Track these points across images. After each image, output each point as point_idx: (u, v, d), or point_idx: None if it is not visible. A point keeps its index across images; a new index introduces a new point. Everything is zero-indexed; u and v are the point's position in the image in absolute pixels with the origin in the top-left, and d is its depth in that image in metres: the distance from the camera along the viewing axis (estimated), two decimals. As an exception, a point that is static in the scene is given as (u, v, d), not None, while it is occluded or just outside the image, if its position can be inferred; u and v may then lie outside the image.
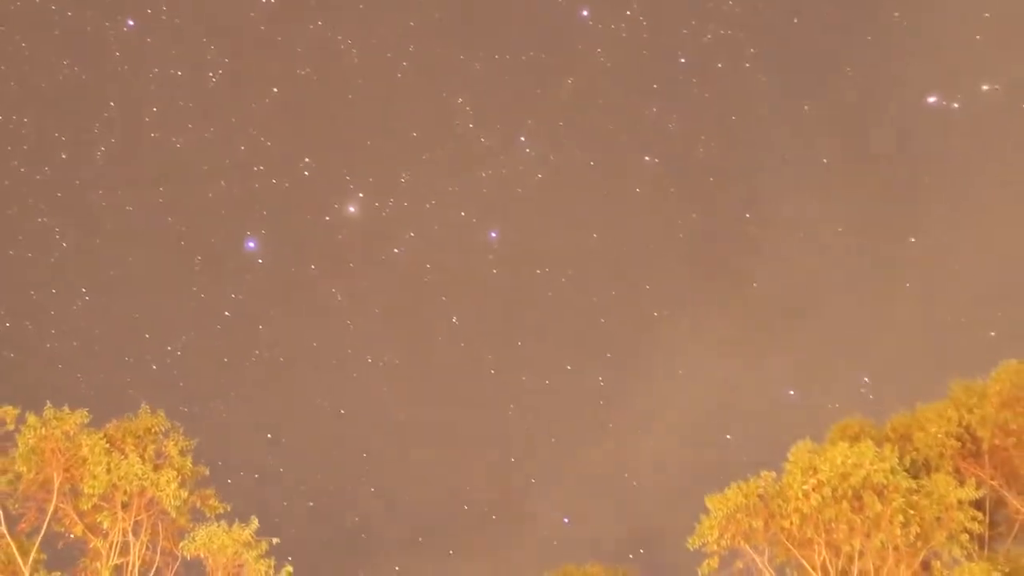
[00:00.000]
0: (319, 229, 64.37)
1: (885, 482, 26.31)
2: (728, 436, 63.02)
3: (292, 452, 60.27)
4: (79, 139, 61.04)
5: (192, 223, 62.91)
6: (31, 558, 24.87)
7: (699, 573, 26.87)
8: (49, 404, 25.04)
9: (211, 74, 62.82)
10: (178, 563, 25.89)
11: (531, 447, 65.20)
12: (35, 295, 60.52)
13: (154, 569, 25.90)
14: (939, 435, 28.99)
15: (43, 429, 24.77)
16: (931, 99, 62.93)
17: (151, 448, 25.85)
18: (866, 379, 60.34)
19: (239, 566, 25.35)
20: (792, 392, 63.87)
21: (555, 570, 34.35)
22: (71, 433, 25.05)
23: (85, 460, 24.95)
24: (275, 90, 63.97)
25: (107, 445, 25.23)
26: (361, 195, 64.46)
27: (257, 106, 63.75)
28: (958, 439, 29.04)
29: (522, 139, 65.92)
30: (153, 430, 26.20)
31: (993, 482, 29.12)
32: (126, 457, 25.13)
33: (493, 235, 66.07)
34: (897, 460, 26.80)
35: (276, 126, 63.60)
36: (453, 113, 65.61)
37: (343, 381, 64.80)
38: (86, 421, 25.37)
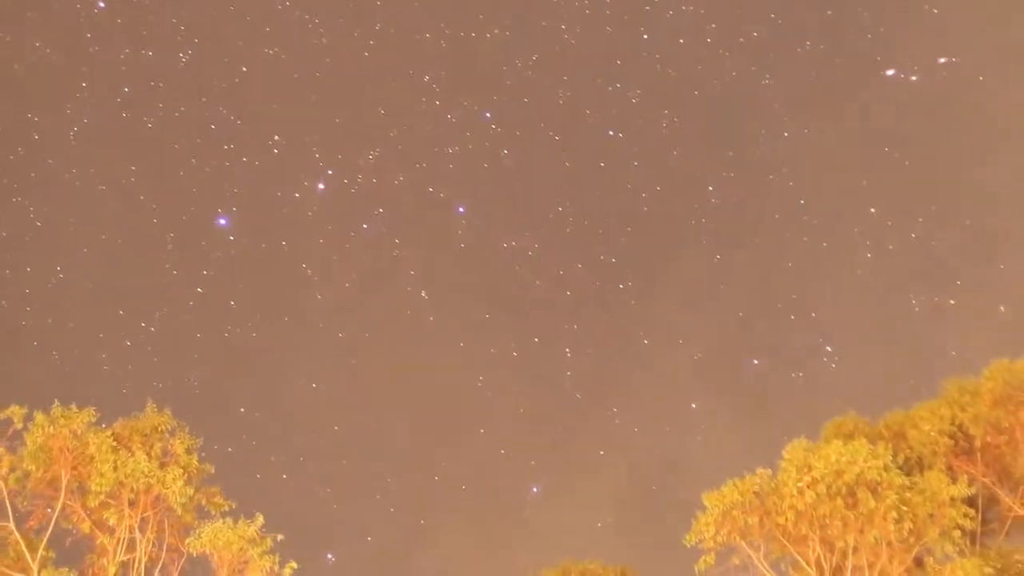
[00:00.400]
0: (289, 206, 65.51)
1: (879, 479, 26.74)
2: (693, 405, 64.51)
3: (265, 425, 61.11)
4: (52, 120, 62.00)
5: (164, 201, 64.04)
6: (39, 554, 25.23)
7: (696, 569, 27.36)
8: (57, 403, 25.43)
9: (181, 55, 63.81)
10: (184, 559, 26.28)
11: (500, 419, 66.46)
12: (9, 273, 61.50)
13: (160, 565, 26.26)
14: (932, 433, 29.45)
15: (51, 428, 25.12)
16: (890, 72, 64.03)
17: (157, 446, 26.23)
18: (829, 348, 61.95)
19: (244, 562, 25.75)
20: (756, 361, 65.53)
21: (554, 566, 34.74)
22: (78, 431, 25.41)
23: (92, 458, 25.31)
24: (244, 69, 64.98)
25: (114, 443, 25.59)
26: (330, 172, 65.62)
27: (226, 85, 64.74)
28: (951, 437, 29.51)
29: (488, 115, 67.09)
30: (159, 428, 26.57)
31: (985, 479, 29.60)
32: (133, 455, 25.48)
33: (461, 210, 67.33)
34: (891, 457, 27.26)
35: (245, 105, 64.63)
36: (420, 90, 66.84)
37: (314, 355, 65.97)
38: (93, 420, 25.73)
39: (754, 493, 27.59)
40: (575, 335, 67.09)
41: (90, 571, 26.00)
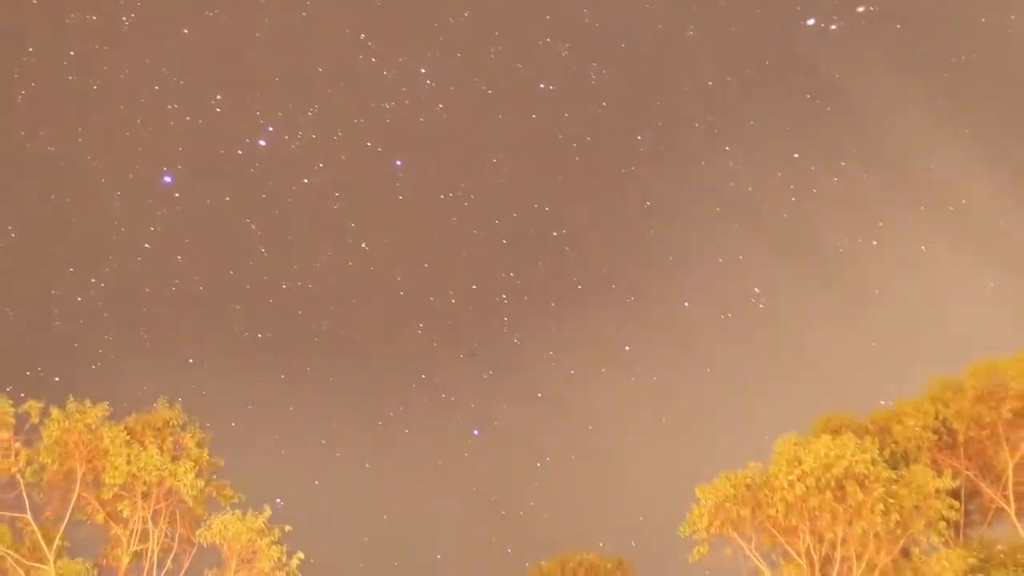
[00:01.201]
0: (232, 162, 66.91)
1: (866, 472, 27.55)
2: (627, 347, 66.48)
3: (212, 376, 62.20)
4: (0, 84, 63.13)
5: (111, 161, 65.26)
6: (55, 544, 25.97)
7: (690, 559, 28.21)
8: (72, 398, 26.16)
9: (124, 18, 65.06)
10: (195, 549, 27.00)
11: (440, 361, 68.24)
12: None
13: (172, 555, 27.01)
14: (917, 428, 30.36)
15: (66, 422, 25.85)
16: (810, 22, 65.79)
17: (169, 440, 26.99)
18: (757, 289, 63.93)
19: (253, 552, 26.51)
20: (687, 304, 67.61)
21: (553, 558, 35.48)
22: (93, 426, 26.14)
23: (106, 452, 26.04)
24: (185, 31, 66.24)
25: (127, 437, 26.34)
26: (271, 129, 67.03)
27: (169, 47, 66.08)
28: (935, 432, 30.43)
29: (423, 71, 68.71)
30: (171, 423, 27.33)
31: (968, 472, 30.54)
32: (145, 449, 26.22)
33: (398, 163, 69.06)
34: (877, 452, 28.07)
35: (188, 66, 65.96)
36: (356, 48, 68.44)
37: (260, 306, 67.38)
38: (107, 414, 26.46)
39: (746, 486, 28.37)
40: (511, 282, 69.30)
41: (104, 561, 26.75)
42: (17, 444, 25.69)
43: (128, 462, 25.98)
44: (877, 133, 66.69)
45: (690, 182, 69.46)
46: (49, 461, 25.86)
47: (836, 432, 29.55)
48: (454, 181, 69.89)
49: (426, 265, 69.52)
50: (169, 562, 27.03)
